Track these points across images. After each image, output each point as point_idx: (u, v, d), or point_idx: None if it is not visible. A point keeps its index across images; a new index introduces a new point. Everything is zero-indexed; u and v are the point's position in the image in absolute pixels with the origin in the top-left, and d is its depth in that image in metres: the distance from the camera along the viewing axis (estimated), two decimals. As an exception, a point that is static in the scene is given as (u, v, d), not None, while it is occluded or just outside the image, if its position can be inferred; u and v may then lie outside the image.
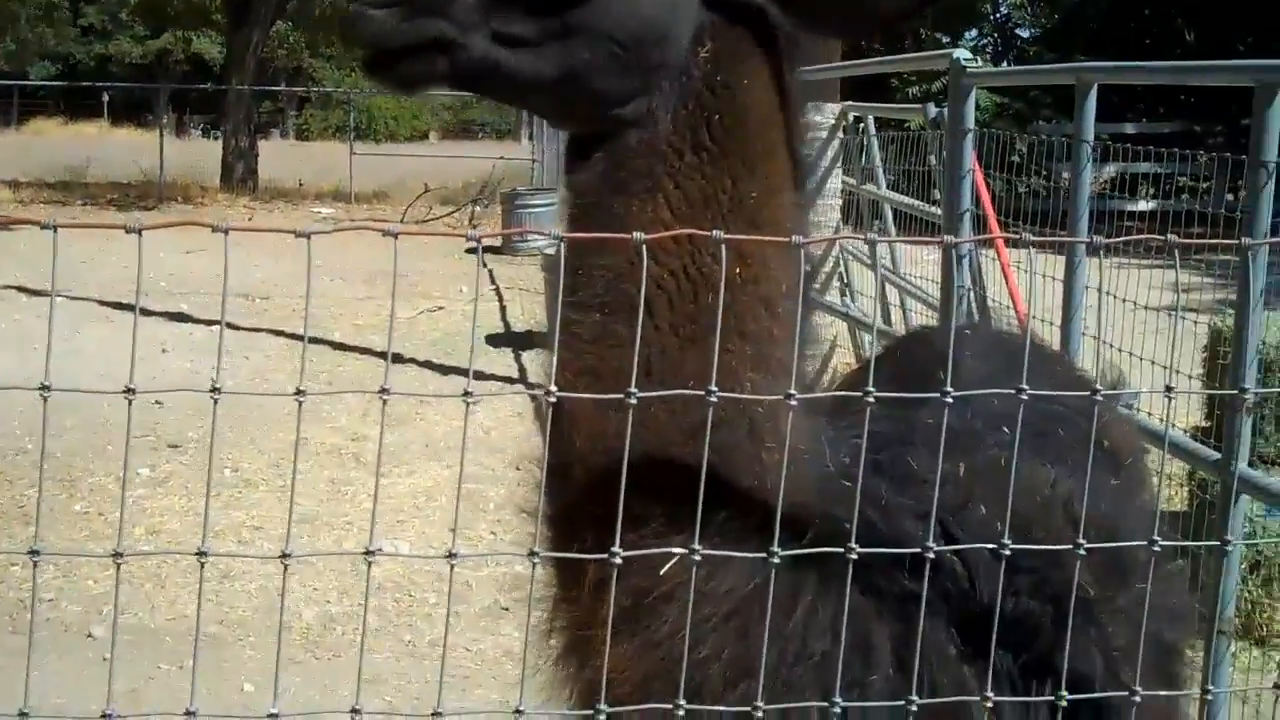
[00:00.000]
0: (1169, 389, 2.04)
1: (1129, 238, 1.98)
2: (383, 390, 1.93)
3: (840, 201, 11.16)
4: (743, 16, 2.47)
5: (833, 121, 10.85)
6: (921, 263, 10.27)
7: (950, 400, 2.07)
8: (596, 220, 2.37)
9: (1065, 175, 7.16)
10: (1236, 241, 1.98)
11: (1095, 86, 5.61)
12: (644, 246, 1.95)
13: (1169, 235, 2.04)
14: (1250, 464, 5.00)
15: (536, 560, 1.96)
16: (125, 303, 15.90)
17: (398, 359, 13.82)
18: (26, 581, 7.73)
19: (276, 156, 37.39)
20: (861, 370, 4.12)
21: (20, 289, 16.82)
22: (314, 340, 14.63)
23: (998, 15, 35.77)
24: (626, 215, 2.34)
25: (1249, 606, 6.82)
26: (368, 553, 1.95)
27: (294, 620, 7.45)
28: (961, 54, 6.62)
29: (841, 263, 11.33)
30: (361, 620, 7.37)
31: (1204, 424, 7.48)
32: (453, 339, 14.76)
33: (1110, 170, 19.50)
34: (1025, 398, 1.98)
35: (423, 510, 9.37)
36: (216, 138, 37.17)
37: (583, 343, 2.33)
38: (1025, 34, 36.82)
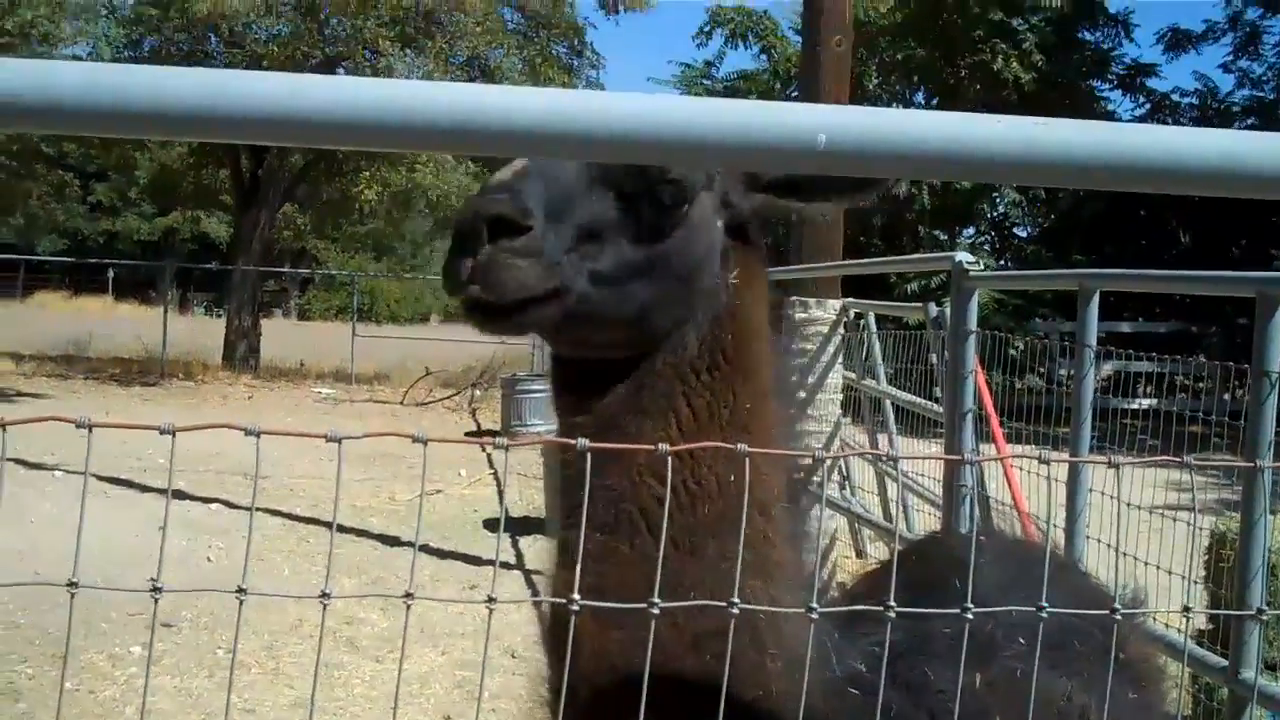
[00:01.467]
0: (1186, 609, 2.06)
1: (1153, 460, 2.02)
2: (407, 595, 1.93)
3: (841, 396, 11.23)
4: (750, 237, 2.62)
5: (834, 317, 10.98)
6: (922, 460, 10.31)
7: (971, 617, 2.08)
8: (610, 440, 2.44)
9: (1063, 372, 7.26)
10: (1251, 464, 2.02)
11: (1097, 292, 5.70)
12: (669, 459, 1.99)
13: (1186, 458, 2.08)
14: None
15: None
16: (123, 479, 15.87)
17: (395, 542, 13.77)
18: (14, 767, 7.61)
19: (279, 336, 37.67)
20: (876, 575, 4.13)
21: (19, 461, 16.79)
22: (312, 521, 14.58)
23: (995, 214, 36.31)
24: (639, 435, 2.45)
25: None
26: None
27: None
28: (964, 257, 6.74)
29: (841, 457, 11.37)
30: (353, 811, 7.24)
31: (1207, 627, 7.43)
32: (451, 523, 14.70)
33: (1108, 369, 19.66)
34: (1045, 616, 1.99)
35: (416, 698, 9.24)
36: (219, 315, 37.53)
37: (585, 561, 2.36)
38: (1022, 233, 37.35)
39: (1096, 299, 5.68)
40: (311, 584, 11.63)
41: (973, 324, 6.70)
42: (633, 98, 1.75)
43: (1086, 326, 5.66)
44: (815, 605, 2.02)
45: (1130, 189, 1.87)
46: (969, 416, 6.66)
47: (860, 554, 12.12)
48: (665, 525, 2.29)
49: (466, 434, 23.51)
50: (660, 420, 2.49)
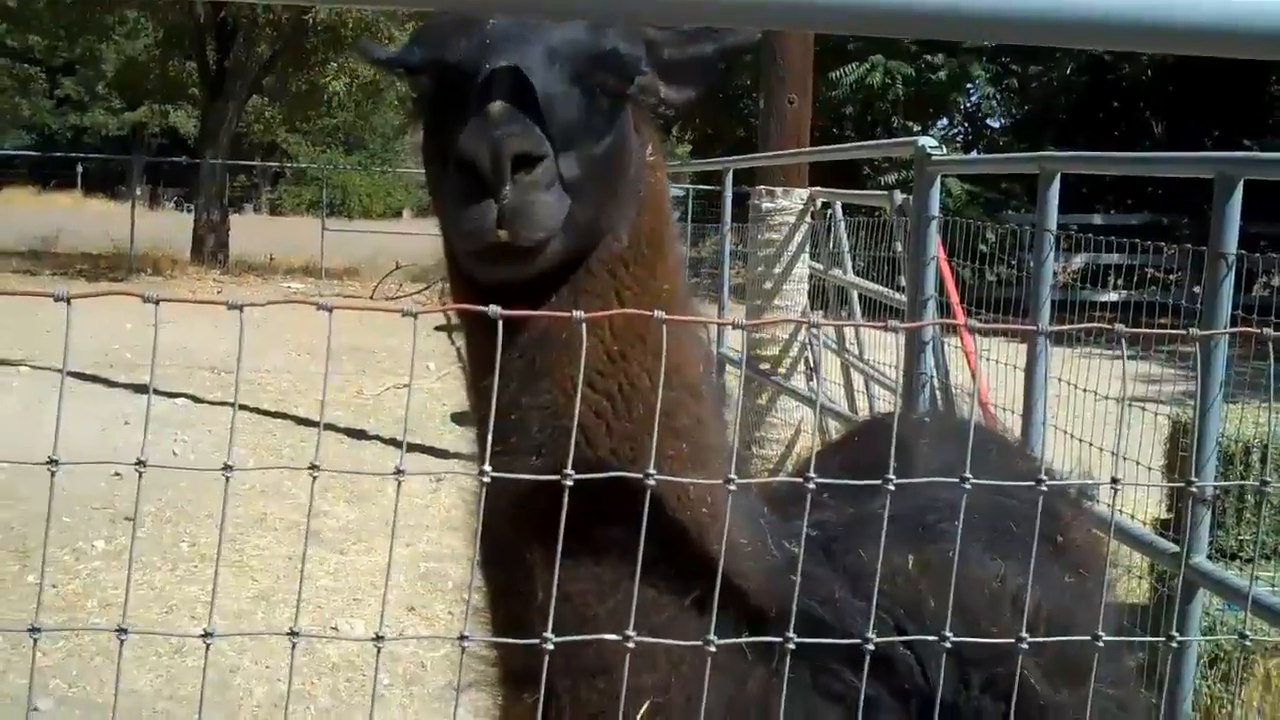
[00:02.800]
0: (1114, 480, 2.01)
1: (1078, 325, 1.97)
2: (398, 470, 1.87)
3: (807, 286, 11.17)
4: (645, 112, 2.51)
5: (801, 206, 10.89)
6: (887, 348, 10.28)
7: (893, 488, 2.04)
8: (545, 352, 2.35)
9: (1033, 263, 7.22)
10: (1184, 332, 1.96)
11: (1058, 176, 5.62)
12: (584, 326, 1.91)
13: (1116, 324, 2.02)
14: (1210, 557, 4.97)
15: (466, 645, 1.90)
16: (89, 374, 15.78)
17: (361, 435, 13.75)
18: (-27, 655, 7.60)
19: (249, 231, 37.36)
20: (818, 456, 4.10)
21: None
22: (279, 415, 14.55)
23: (968, 105, 36.13)
24: (578, 345, 2.30)
25: (1208, 701, 6.76)
26: (291, 633, 1.88)
27: (244, 698, 7.33)
28: (926, 142, 6.65)
29: (808, 347, 11.33)
30: (312, 699, 7.26)
31: (1165, 516, 7.46)
32: (417, 415, 14.67)
33: (1078, 261, 19.63)
34: (969, 487, 1.94)
35: (379, 588, 9.25)
36: (189, 210, 37.21)
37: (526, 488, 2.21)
38: (995, 124, 37.19)
39: (1057, 184, 5.60)
40: (277, 477, 11.60)
41: (935, 210, 6.63)
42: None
43: (1047, 211, 5.58)
44: (734, 477, 1.96)
45: (1115, 47, 1.79)
46: (930, 303, 6.61)
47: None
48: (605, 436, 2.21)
49: (435, 328, 23.35)
50: (594, 323, 2.33)
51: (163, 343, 17.38)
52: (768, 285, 10.96)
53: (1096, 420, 5.82)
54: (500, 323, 1.85)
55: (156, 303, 1.82)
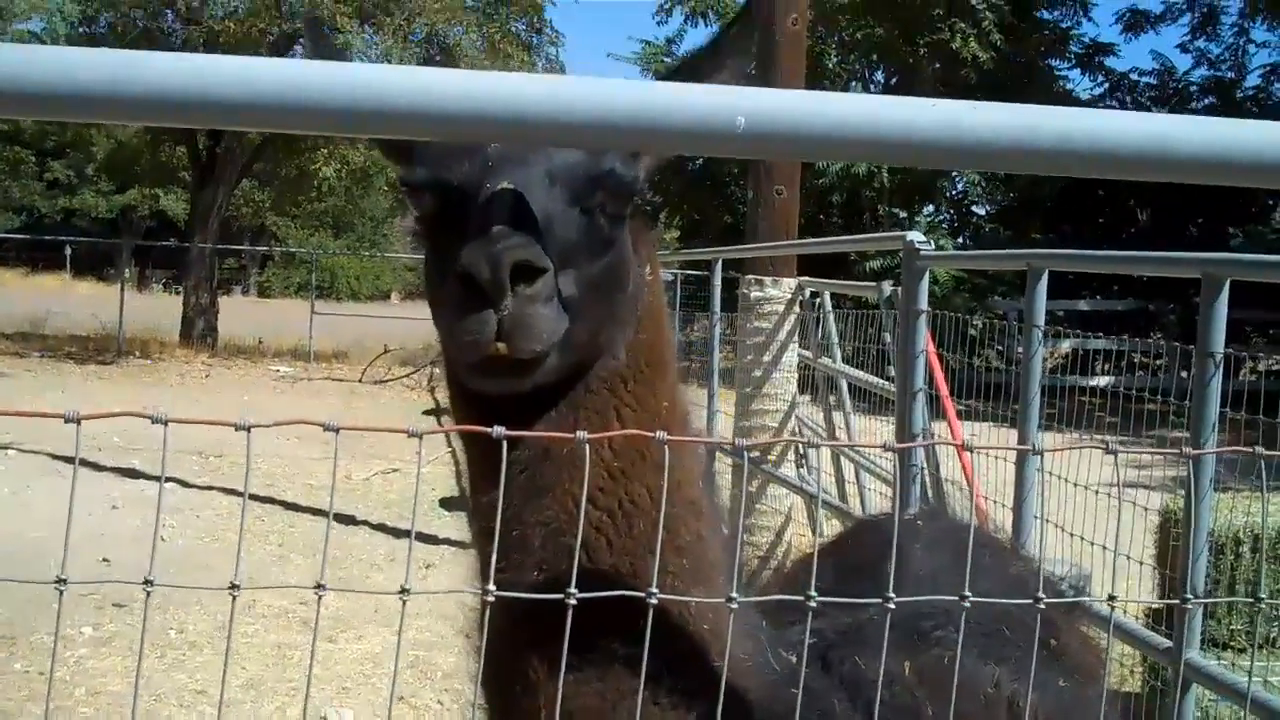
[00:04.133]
0: (1112, 598, 2.05)
1: (1073, 445, 2.01)
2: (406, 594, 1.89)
3: (796, 375, 11.22)
4: (643, 231, 2.56)
5: (789, 296, 10.96)
6: (877, 437, 10.32)
7: (893, 606, 2.05)
8: (546, 467, 2.37)
9: (1020, 350, 7.28)
10: (1179, 451, 2.00)
11: (1047, 272, 5.70)
12: (586, 446, 1.94)
13: (1109, 441, 2.06)
14: (1201, 646, 4.98)
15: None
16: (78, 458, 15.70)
17: (350, 520, 13.71)
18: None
19: (237, 313, 37.43)
20: (809, 559, 4.11)
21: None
22: (267, 500, 14.51)
23: (954, 192, 36.38)
24: (578, 462, 2.27)
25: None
26: None
27: (237, 790, 7.29)
28: (915, 236, 6.72)
29: (798, 434, 11.37)
30: (302, 794, 7.20)
31: (1157, 607, 7.48)
32: (407, 501, 14.65)
33: (1065, 346, 19.75)
34: (968, 605, 1.97)
35: (370, 677, 9.21)
36: (178, 293, 37.29)
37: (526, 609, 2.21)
38: (981, 211, 37.43)
39: (1045, 278, 5.67)
40: (266, 564, 11.57)
41: (924, 303, 6.69)
42: (545, 80, 1.71)
43: (1035, 306, 5.65)
44: (735, 595, 1.99)
45: (1058, 173, 1.85)
46: (920, 396, 6.66)
47: (817, 533, 12.14)
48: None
49: (424, 412, 23.43)
50: (596, 440, 2.36)
51: (152, 427, 17.30)
52: (757, 373, 11.01)
53: (1088, 509, 5.84)
54: (504, 442, 1.88)
55: (165, 423, 1.85)
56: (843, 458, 11.13)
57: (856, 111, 1.73)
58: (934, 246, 6.89)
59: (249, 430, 1.84)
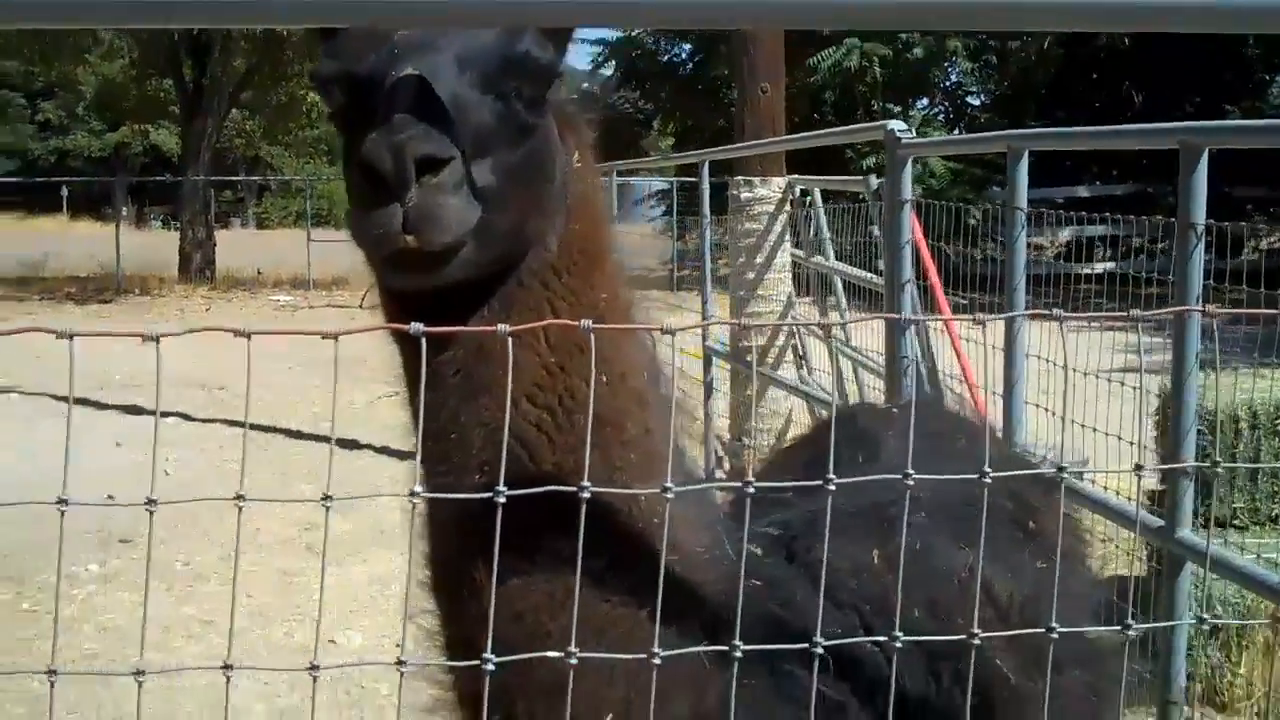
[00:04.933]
0: (1060, 469, 1.99)
1: (1050, 314, 1.94)
2: (414, 495, 1.83)
3: (790, 274, 11.13)
4: (571, 117, 2.47)
5: (779, 195, 10.85)
6: (874, 334, 10.23)
7: (833, 488, 2.00)
8: (481, 367, 2.30)
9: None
10: (1130, 316, 1.94)
11: (1027, 153, 5.60)
12: (510, 341, 1.88)
13: (1054, 309, 2.00)
14: (1206, 525, 4.95)
15: (404, 670, 1.87)
16: (81, 397, 15.74)
17: (353, 445, 13.70)
18: (-27, 684, 7.58)
19: (235, 246, 37.32)
20: (786, 450, 4.06)
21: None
22: (269, 429, 14.50)
23: (947, 84, 36.05)
24: (517, 356, 2.23)
25: (1209, 672, 6.74)
26: (313, 667, 1.85)
27: (244, 716, 7.30)
28: (896, 125, 6.61)
29: (796, 335, 11.29)
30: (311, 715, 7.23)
31: (1160, 488, 7.44)
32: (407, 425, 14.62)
33: (1065, 234, 19.60)
34: (911, 484, 1.91)
35: (376, 600, 9.23)
36: (176, 228, 37.21)
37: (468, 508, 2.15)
38: (976, 101, 37.10)
39: (1025, 160, 5.57)
40: (271, 490, 11.57)
41: (908, 193, 6.59)
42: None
43: (1016, 188, 5.54)
44: (670, 484, 1.92)
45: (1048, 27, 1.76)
46: (908, 286, 6.57)
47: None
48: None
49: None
50: (530, 335, 2.30)
51: (152, 364, 17.27)
52: (750, 275, 10.94)
53: (1087, 396, 5.77)
54: (423, 340, 1.82)
55: (157, 339, 1.78)
56: (841, 356, 11.07)
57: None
58: (913, 134, 6.77)
59: (157, 341, 1.78)
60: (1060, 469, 2.01)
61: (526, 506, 1.88)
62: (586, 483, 1.85)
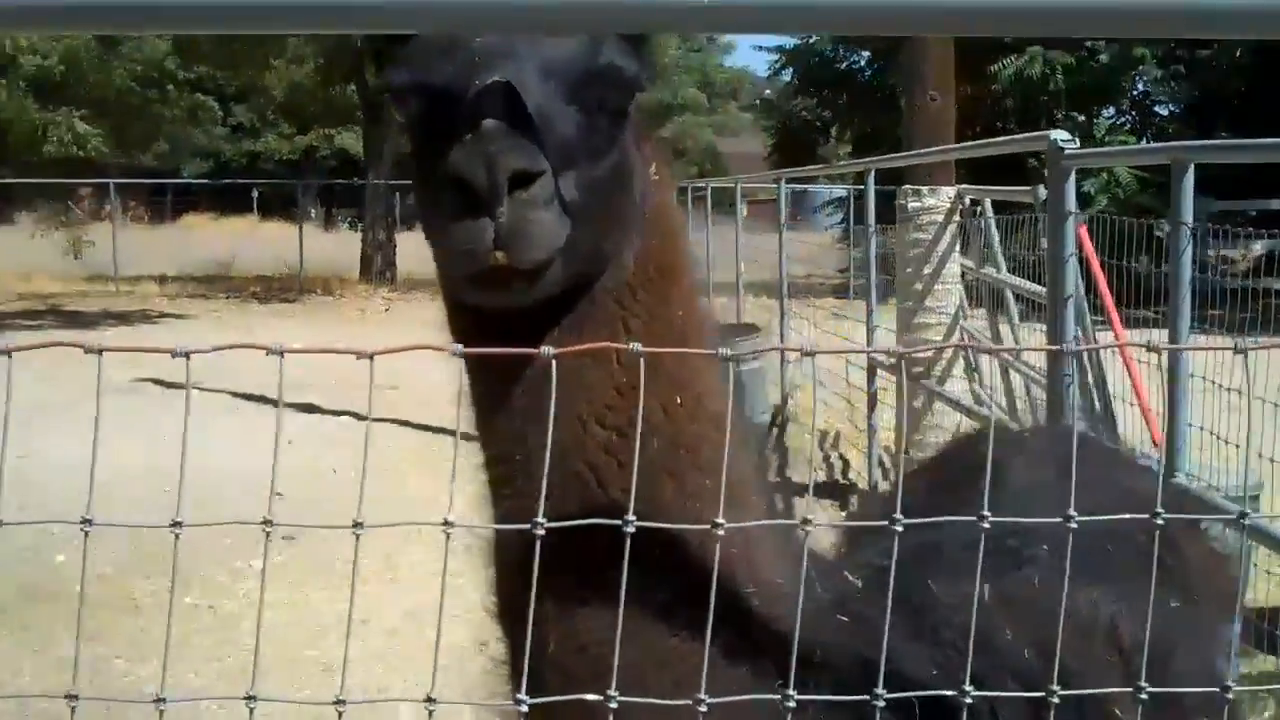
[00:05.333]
0: (1243, 515, 1.85)
1: (1233, 346, 1.80)
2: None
3: (959, 286, 10.89)
4: (639, 128, 2.38)
5: (948, 205, 10.63)
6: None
7: (987, 526, 1.87)
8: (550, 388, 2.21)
9: (1210, 253, 6.92)
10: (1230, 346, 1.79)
11: (1192, 166, 5.36)
12: (553, 363, 1.79)
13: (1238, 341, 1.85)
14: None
15: (432, 708, 1.80)
16: (257, 394, 16.11)
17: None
18: (129, 675, 7.75)
19: (419, 248, 37.89)
20: (908, 477, 3.90)
21: (156, 381, 17.10)
22: (442, 431, 14.64)
23: (1135, 92, 35.06)
24: (586, 382, 2.19)
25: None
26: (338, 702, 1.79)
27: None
28: (1059, 134, 6.40)
29: (966, 348, 11.03)
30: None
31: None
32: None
33: (1258, 248, 18.86)
34: (1075, 526, 1.78)
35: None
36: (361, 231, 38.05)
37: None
38: (1164, 111, 35.96)
39: (1191, 174, 5.33)
40: (433, 494, 11.66)
41: (1071, 205, 6.38)
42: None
43: (1181, 202, 5.30)
44: (720, 520, 1.81)
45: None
46: (1070, 302, 6.35)
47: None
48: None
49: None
50: (603, 353, 2.21)
51: (329, 363, 17.59)
52: (918, 286, 10.73)
53: (1266, 420, 5.46)
54: (473, 360, 1.74)
55: (187, 355, 1.75)
56: (1011, 371, 10.78)
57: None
58: (1077, 145, 6.52)
59: (187, 356, 1.73)
60: (1243, 515, 1.86)
61: (586, 535, 1.79)
62: (631, 517, 1.75)
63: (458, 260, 2.07)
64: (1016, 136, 8.43)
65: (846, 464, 12.95)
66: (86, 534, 1.74)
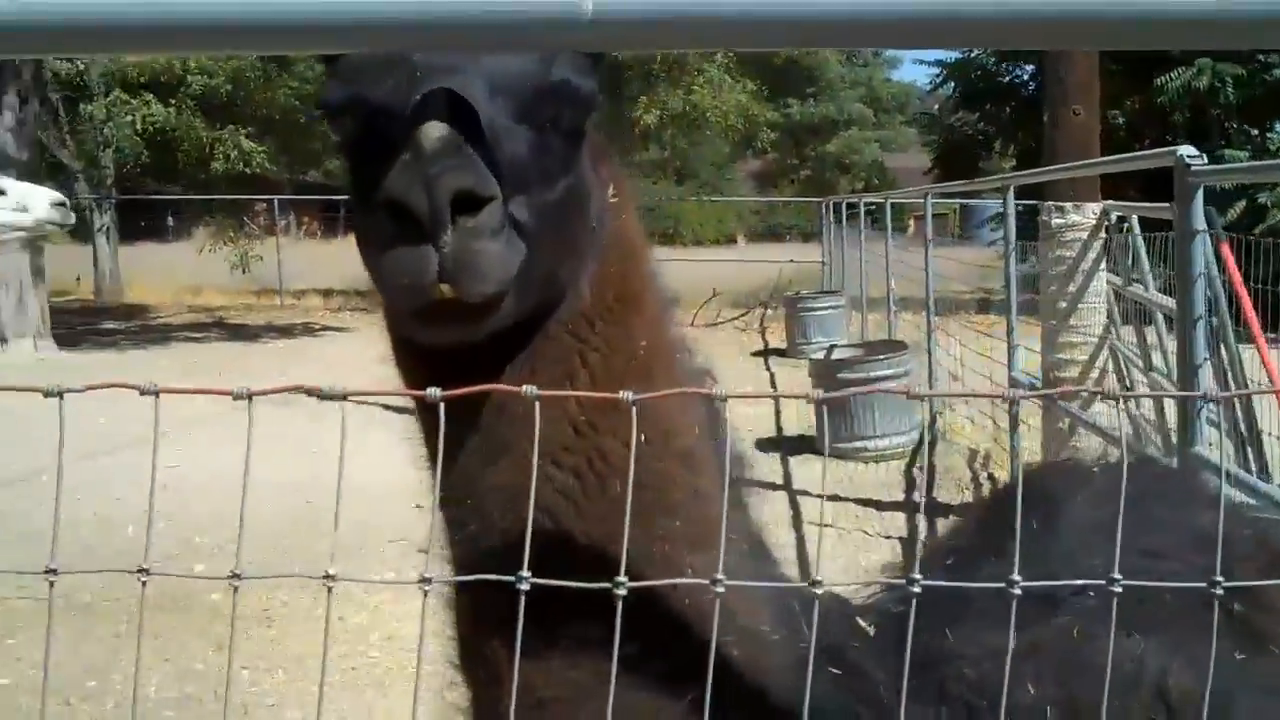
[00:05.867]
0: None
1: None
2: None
3: (1105, 305, 10.52)
4: (598, 147, 2.24)
5: (1093, 221, 10.29)
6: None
7: (1018, 591, 1.74)
8: (502, 427, 2.10)
9: None
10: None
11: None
12: (536, 403, 1.70)
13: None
14: None
15: None
16: (404, 407, 16.25)
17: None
18: (256, 686, 7.84)
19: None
20: (970, 508, 3.71)
21: (313, 393, 17.36)
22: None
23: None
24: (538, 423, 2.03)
25: None
26: None
27: None
28: (1186, 150, 6.11)
29: (1120, 367, 10.68)
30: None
31: None
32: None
33: None
34: (1117, 591, 1.64)
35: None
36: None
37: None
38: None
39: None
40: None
41: (1199, 223, 6.09)
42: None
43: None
44: (721, 577, 1.69)
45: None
46: (1200, 325, 6.06)
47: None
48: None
49: (752, 353, 23.54)
50: (558, 391, 2.06)
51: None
52: (1062, 305, 10.41)
53: None
54: (442, 405, 1.65)
55: (157, 394, 1.70)
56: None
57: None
58: (1205, 161, 6.22)
59: (249, 399, 1.68)
60: None
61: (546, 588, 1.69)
62: (623, 578, 1.64)
63: (399, 295, 1.90)
64: (1144, 153, 8.11)
65: (995, 484, 12.64)
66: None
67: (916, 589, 1.76)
